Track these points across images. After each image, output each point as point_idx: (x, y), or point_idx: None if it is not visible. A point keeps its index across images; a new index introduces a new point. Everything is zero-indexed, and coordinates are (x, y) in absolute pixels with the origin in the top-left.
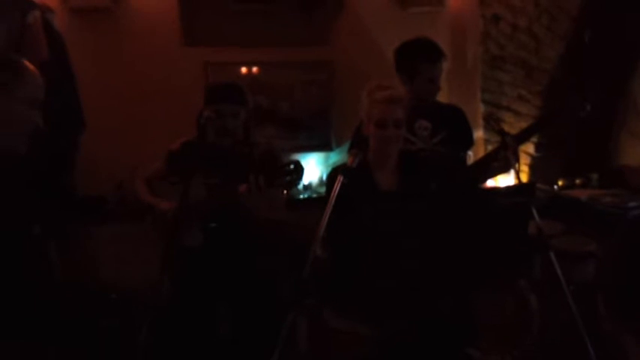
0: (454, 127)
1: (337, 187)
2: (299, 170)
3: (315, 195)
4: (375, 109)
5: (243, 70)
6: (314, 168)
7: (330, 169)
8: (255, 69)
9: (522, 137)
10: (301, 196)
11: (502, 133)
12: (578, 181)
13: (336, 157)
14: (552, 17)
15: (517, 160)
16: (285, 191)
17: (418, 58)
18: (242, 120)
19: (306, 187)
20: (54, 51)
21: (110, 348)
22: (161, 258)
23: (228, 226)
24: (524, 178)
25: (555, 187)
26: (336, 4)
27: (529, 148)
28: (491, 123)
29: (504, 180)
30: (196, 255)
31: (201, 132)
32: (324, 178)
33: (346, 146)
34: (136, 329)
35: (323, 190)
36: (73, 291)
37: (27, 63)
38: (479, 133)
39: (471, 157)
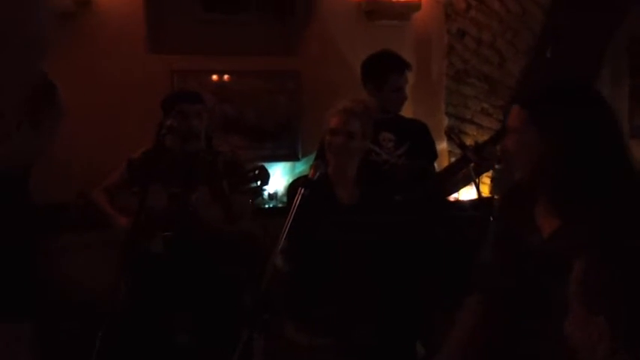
0: (417, 140)
1: (298, 199)
2: (264, 176)
3: (280, 205)
4: (332, 117)
5: (211, 78)
6: (280, 178)
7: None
8: (220, 77)
9: (481, 149)
10: (267, 206)
11: (462, 146)
12: None
13: (302, 167)
14: (516, 33)
15: (480, 172)
16: (250, 199)
17: (385, 69)
18: (205, 123)
19: (272, 197)
20: None
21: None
22: (117, 265)
23: (188, 235)
24: (485, 190)
25: None
26: (304, 14)
27: None
28: (452, 136)
29: (467, 193)
30: (155, 263)
31: (159, 142)
32: (286, 189)
33: (312, 156)
34: (92, 337)
35: None
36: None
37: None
38: (443, 145)
39: (435, 169)
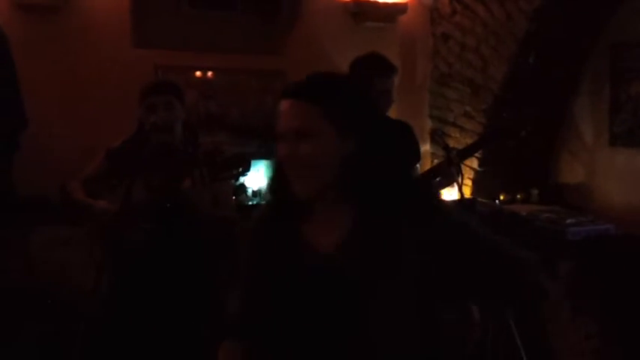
0: (401, 142)
1: None
2: (245, 162)
3: (264, 202)
4: None
5: (196, 74)
6: (264, 175)
7: None
8: (205, 74)
9: (466, 153)
10: (250, 203)
11: (447, 148)
12: (519, 196)
13: None
14: (499, 39)
15: (460, 174)
16: (231, 186)
17: (371, 71)
18: (179, 115)
19: (256, 194)
20: None
21: (45, 354)
22: (97, 262)
23: (170, 227)
24: (467, 192)
25: (497, 201)
26: (290, 14)
27: (473, 162)
28: (437, 138)
29: (449, 194)
30: (136, 258)
31: (138, 130)
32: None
33: None
34: (71, 335)
35: None
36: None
37: None
38: (426, 147)
39: (418, 170)
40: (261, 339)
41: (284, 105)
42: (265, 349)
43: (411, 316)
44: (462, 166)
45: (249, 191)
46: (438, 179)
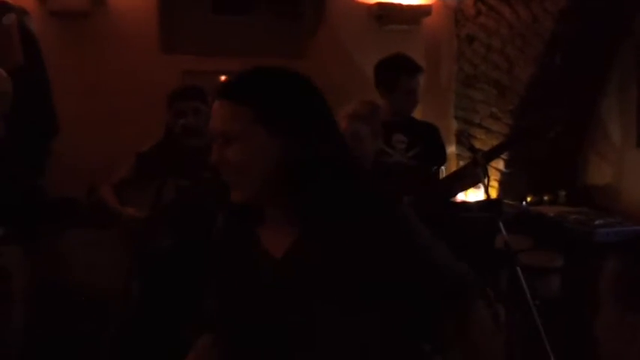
0: (428, 143)
1: None
2: None
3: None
4: (339, 121)
5: (221, 78)
6: None
7: None
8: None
9: (492, 154)
10: None
11: (473, 149)
12: (546, 198)
13: None
14: (525, 40)
15: (486, 176)
16: None
17: (397, 71)
18: (206, 119)
19: None
20: (29, 55)
21: (81, 351)
22: (130, 262)
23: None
24: (493, 193)
25: (524, 203)
26: (314, 17)
27: (499, 164)
28: (463, 140)
29: (474, 195)
30: (167, 257)
31: (167, 134)
32: None
33: None
34: (105, 333)
35: None
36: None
37: None
38: (452, 149)
39: (443, 172)
40: (231, 336)
41: (214, 106)
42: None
43: (366, 322)
44: (489, 168)
45: None
46: (464, 180)
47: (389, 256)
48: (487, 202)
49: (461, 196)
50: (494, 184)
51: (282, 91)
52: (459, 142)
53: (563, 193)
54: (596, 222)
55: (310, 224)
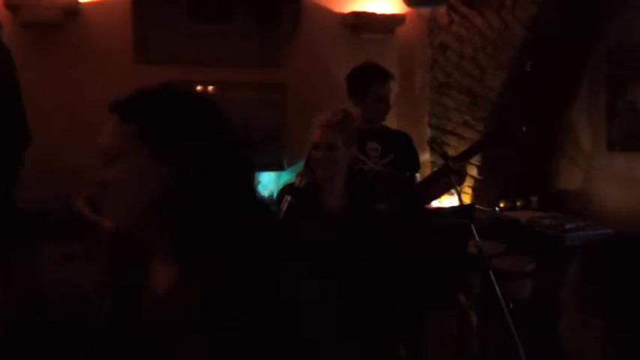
0: (402, 150)
1: (284, 206)
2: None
3: None
4: (314, 131)
5: (197, 88)
6: (265, 187)
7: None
8: (207, 88)
9: (462, 158)
10: None
11: (445, 156)
12: (518, 203)
13: (287, 177)
14: (496, 47)
15: (462, 182)
16: None
17: (368, 79)
18: None
19: None
20: (1, 67)
21: None
22: (101, 276)
23: None
24: (466, 199)
25: (497, 208)
26: (290, 27)
27: (472, 170)
28: (435, 147)
29: (448, 201)
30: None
31: None
32: (275, 196)
33: (297, 166)
34: (75, 350)
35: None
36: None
37: None
38: (425, 156)
39: (417, 179)
40: None
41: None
42: None
43: None
44: (463, 174)
45: None
46: (437, 186)
47: (265, 339)
48: (460, 208)
49: (435, 203)
50: (467, 190)
51: (174, 112)
52: (432, 150)
53: (535, 198)
54: (567, 226)
55: (190, 262)
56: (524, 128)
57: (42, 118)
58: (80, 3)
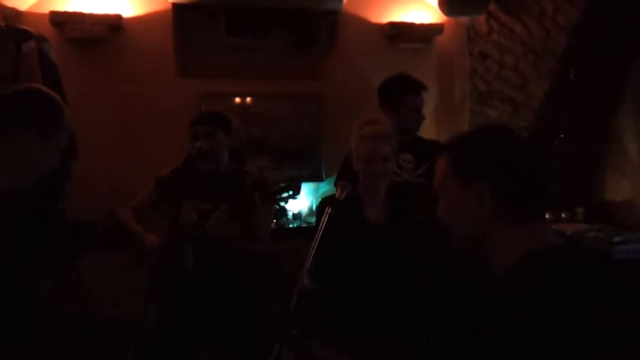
0: (435, 160)
1: (325, 219)
2: (296, 185)
3: (304, 224)
4: (362, 144)
5: (236, 100)
6: (304, 198)
7: (319, 199)
8: (246, 100)
9: None
10: (290, 226)
11: None
12: (564, 215)
13: (325, 188)
14: (538, 56)
15: None
16: (272, 210)
17: (400, 90)
18: (221, 143)
19: (296, 217)
20: (48, 81)
21: None
22: (147, 285)
23: (216, 252)
24: None
25: None
26: (328, 38)
27: None
28: None
29: None
30: (184, 280)
31: (186, 159)
32: (314, 208)
33: (335, 177)
34: (123, 357)
35: (312, 219)
36: (61, 318)
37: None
38: None
39: None
40: None
41: None
42: None
43: None
44: None
45: (290, 214)
46: None
47: None
48: None
49: None
50: None
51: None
52: None
53: (580, 210)
54: (615, 239)
55: None
56: (562, 136)
57: (87, 131)
58: (123, 18)
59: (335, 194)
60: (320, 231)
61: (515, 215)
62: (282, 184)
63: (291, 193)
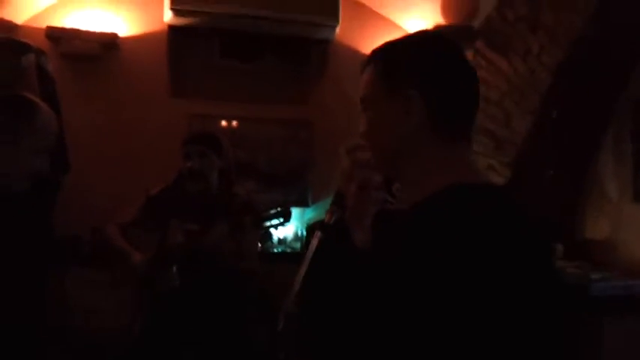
0: None
1: (314, 242)
2: (287, 214)
3: (289, 250)
4: (356, 170)
5: (224, 123)
6: (290, 223)
7: (305, 224)
8: (235, 123)
9: None
10: (275, 250)
11: None
12: None
13: (311, 214)
14: (522, 93)
15: None
16: (258, 235)
17: None
18: (213, 164)
19: (281, 242)
20: (45, 93)
21: None
22: (131, 303)
23: (202, 270)
24: None
25: None
26: (319, 64)
27: None
28: None
29: None
30: (168, 299)
31: (177, 178)
32: (299, 233)
33: (322, 203)
34: None
35: (297, 245)
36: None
37: (42, 106)
38: None
39: None
40: None
41: None
42: None
43: None
44: None
45: (275, 239)
46: None
47: None
48: None
49: None
50: None
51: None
52: None
53: (560, 246)
54: (593, 276)
55: None
56: (551, 172)
57: (78, 145)
58: (119, 37)
59: (324, 219)
60: (309, 255)
61: (443, 133)
62: (273, 211)
63: (281, 220)
